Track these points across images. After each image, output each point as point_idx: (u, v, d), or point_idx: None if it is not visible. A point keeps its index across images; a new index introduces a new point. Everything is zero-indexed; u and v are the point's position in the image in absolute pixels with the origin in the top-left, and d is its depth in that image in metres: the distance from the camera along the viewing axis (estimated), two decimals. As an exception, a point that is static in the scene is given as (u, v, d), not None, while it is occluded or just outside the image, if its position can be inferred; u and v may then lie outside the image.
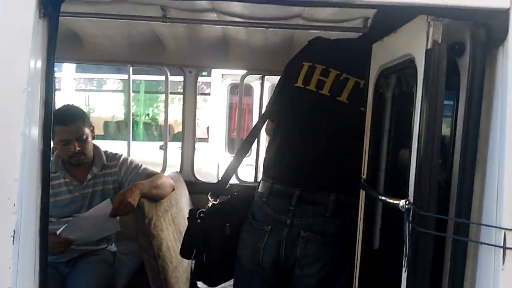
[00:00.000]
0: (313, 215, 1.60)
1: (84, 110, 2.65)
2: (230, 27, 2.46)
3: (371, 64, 1.45)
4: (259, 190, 1.75)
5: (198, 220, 1.79)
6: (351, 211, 1.52)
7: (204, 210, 1.81)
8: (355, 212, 1.48)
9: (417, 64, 1.04)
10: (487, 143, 0.99)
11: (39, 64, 1.05)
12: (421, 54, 1.01)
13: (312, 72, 1.69)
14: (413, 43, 1.07)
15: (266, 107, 1.96)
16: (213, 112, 5.69)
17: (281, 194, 1.65)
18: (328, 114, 1.66)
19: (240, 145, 2.21)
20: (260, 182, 1.78)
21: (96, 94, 7.75)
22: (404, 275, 1.04)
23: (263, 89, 3.36)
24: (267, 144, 1.88)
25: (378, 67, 1.37)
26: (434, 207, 0.98)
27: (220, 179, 1.98)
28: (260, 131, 1.99)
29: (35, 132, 1.04)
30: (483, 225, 0.96)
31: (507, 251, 0.92)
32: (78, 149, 2.31)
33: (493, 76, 0.98)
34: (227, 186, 1.93)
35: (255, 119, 5.64)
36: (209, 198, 1.86)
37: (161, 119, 7.48)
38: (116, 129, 6.64)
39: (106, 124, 6.72)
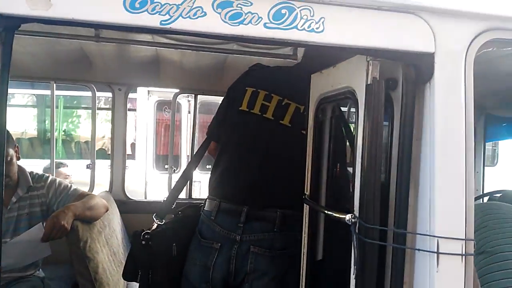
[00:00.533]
0: (261, 231, 1.69)
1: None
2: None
3: (310, 91, 1.59)
4: (205, 208, 1.80)
5: (143, 242, 1.78)
6: (295, 225, 1.62)
7: (149, 231, 1.80)
8: (299, 227, 1.59)
9: (358, 96, 1.19)
10: (419, 163, 1.16)
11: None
12: (361, 88, 1.16)
13: (256, 97, 1.79)
14: (353, 78, 1.21)
15: (209, 129, 2.02)
16: (139, 128, 5.58)
17: (229, 212, 1.72)
18: (272, 136, 1.77)
19: (187, 165, 2.24)
20: (206, 200, 1.83)
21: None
22: (353, 282, 1.16)
23: (196, 107, 3.40)
24: (212, 165, 1.94)
25: (319, 94, 1.51)
26: (377, 220, 1.12)
27: (165, 198, 1.99)
28: (205, 151, 2.03)
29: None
30: (419, 234, 1.12)
31: (440, 256, 1.08)
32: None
33: (422, 108, 1.15)
34: (173, 206, 1.94)
35: (184, 136, 5.68)
36: (154, 219, 1.85)
37: (77, 135, 7.12)
38: (29, 146, 6.18)
39: (18, 140, 6.22)
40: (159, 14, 0.99)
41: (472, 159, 1.11)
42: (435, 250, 1.08)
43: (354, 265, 1.14)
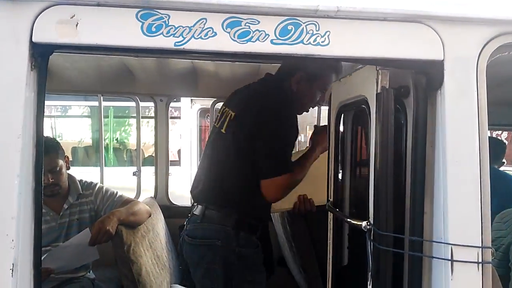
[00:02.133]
0: (192, 222, 2.00)
1: (51, 136, 2.69)
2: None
3: (331, 99, 1.62)
4: None
5: None
6: (214, 220, 1.89)
7: None
8: (219, 221, 1.87)
9: (370, 104, 1.21)
10: (433, 170, 1.16)
11: (31, 109, 1.14)
12: (372, 96, 1.18)
13: (221, 112, 2.10)
14: (365, 87, 1.24)
15: None
16: (183, 135, 5.79)
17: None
18: (215, 143, 2.05)
19: None
20: None
21: (61, 120, 7.66)
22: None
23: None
24: None
25: (338, 102, 1.54)
26: (391, 227, 1.14)
27: None
28: None
29: (29, 172, 1.13)
30: (433, 241, 1.11)
31: (455, 263, 1.08)
32: (51, 180, 2.35)
33: (434, 114, 1.15)
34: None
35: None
36: None
37: (129, 143, 7.47)
38: (84, 155, 6.59)
39: (74, 149, 6.67)
40: (173, 36, 1.07)
41: (487, 165, 1.10)
42: (449, 258, 1.07)
43: (369, 272, 1.16)
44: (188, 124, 5.58)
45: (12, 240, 1.04)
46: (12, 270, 1.03)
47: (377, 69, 1.16)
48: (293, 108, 1.92)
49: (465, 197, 1.10)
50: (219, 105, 3.78)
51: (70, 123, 7.98)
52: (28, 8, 1.05)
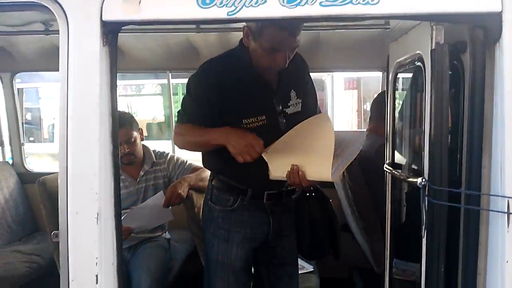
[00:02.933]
0: None
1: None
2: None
3: (389, 60, 1.60)
4: None
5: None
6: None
7: None
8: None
9: (425, 61, 1.20)
10: (491, 125, 1.13)
11: (106, 80, 1.28)
12: (427, 53, 1.17)
13: None
14: (420, 44, 1.22)
15: None
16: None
17: None
18: None
19: None
20: None
21: (136, 99, 8.18)
22: (424, 242, 1.20)
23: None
24: None
25: (395, 62, 1.53)
26: (446, 182, 1.14)
27: None
28: None
29: (107, 137, 1.28)
30: (489, 195, 1.11)
31: (511, 216, 1.07)
32: (127, 150, 2.58)
33: (492, 69, 1.12)
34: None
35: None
36: None
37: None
38: (158, 130, 7.02)
39: (149, 125, 7.13)
40: (226, 7, 1.14)
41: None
42: (505, 211, 1.06)
43: (423, 226, 1.18)
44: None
45: (96, 193, 1.20)
46: (97, 219, 1.19)
47: (431, 25, 1.14)
48: (208, 70, 1.84)
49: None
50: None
51: (144, 101, 8.49)
52: (98, -11, 1.18)
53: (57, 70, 2.81)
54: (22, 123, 3.99)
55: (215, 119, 1.80)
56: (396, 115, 1.64)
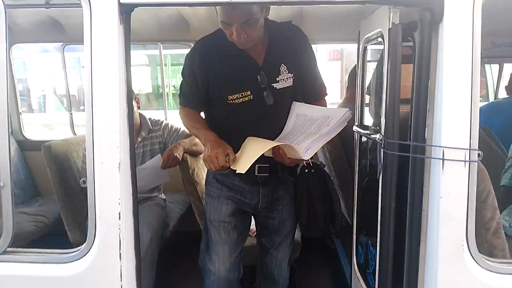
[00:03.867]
0: None
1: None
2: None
3: (360, 33, 1.88)
4: None
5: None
6: None
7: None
8: None
9: (384, 38, 1.48)
10: (433, 91, 1.43)
11: (122, 53, 1.51)
12: (386, 31, 1.44)
13: None
14: (382, 23, 1.50)
15: None
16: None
17: None
18: None
19: None
20: None
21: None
22: (380, 185, 1.52)
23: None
24: None
25: (364, 38, 1.80)
26: (397, 136, 1.44)
27: None
28: None
29: (123, 100, 1.53)
30: (429, 145, 1.41)
31: (445, 162, 1.38)
32: (127, 118, 2.83)
33: (436, 44, 1.40)
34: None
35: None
36: None
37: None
38: (146, 101, 7.21)
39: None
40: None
41: (477, 86, 1.35)
42: (441, 157, 1.37)
43: (379, 174, 1.49)
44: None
45: (117, 147, 1.47)
46: (118, 167, 1.47)
47: (389, 7, 1.42)
48: (194, 50, 1.92)
49: (457, 109, 1.37)
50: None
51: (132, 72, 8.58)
52: (116, -24, 1.41)
53: (54, 41, 3.02)
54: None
55: (204, 96, 1.90)
56: (366, 84, 1.92)
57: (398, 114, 1.44)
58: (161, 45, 3.74)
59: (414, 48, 1.46)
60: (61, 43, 3.75)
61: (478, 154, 1.38)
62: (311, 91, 1.97)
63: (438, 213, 1.40)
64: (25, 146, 4.01)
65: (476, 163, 1.38)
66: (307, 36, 1.94)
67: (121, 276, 1.48)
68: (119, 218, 1.48)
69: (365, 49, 1.83)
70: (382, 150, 1.48)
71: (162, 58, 3.79)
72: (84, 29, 1.46)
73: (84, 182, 1.52)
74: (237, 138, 1.77)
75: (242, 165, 1.68)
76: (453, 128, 1.37)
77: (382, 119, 1.51)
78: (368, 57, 1.89)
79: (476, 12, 1.35)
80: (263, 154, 1.67)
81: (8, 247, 1.57)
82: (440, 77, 1.39)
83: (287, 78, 1.87)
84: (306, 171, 1.93)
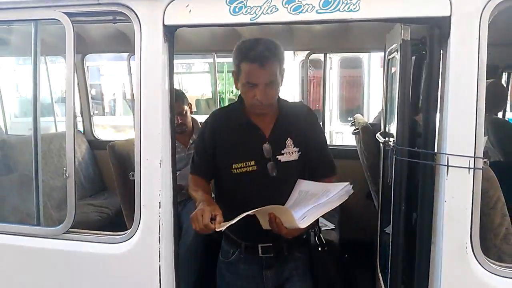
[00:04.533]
0: None
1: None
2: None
3: (386, 45, 2.00)
4: None
5: None
6: None
7: None
8: None
9: (398, 52, 1.60)
10: (442, 102, 1.52)
11: (166, 66, 1.76)
12: (398, 46, 1.57)
13: None
14: (397, 38, 1.62)
15: None
16: (287, 86, 6.36)
17: None
18: None
19: None
20: None
21: (186, 76, 8.81)
22: (393, 189, 1.63)
23: (325, 64, 3.93)
24: None
25: (388, 50, 1.92)
26: (406, 143, 1.56)
27: None
28: None
29: (166, 106, 1.78)
30: (434, 153, 1.51)
31: (450, 168, 1.47)
32: (180, 121, 3.13)
33: (446, 58, 1.50)
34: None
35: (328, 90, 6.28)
36: None
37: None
38: (206, 106, 7.62)
39: (198, 101, 7.75)
40: (249, 14, 1.59)
41: (483, 96, 1.43)
42: (446, 164, 1.47)
43: (390, 178, 1.61)
44: (291, 75, 6.11)
45: (159, 146, 1.72)
46: (160, 163, 1.73)
47: (401, 25, 1.54)
48: (208, 120, 2.00)
49: (463, 119, 1.46)
50: (314, 56, 4.23)
51: (194, 78, 9.10)
52: (162, 2, 1.67)
53: (122, 51, 3.42)
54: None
55: (211, 164, 1.94)
56: (390, 93, 2.03)
57: (408, 123, 1.55)
58: (215, 55, 4.03)
59: (425, 61, 1.57)
60: (127, 53, 4.19)
61: (485, 162, 1.46)
62: (317, 168, 1.96)
63: (443, 216, 1.49)
64: (95, 145, 4.49)
65: (481, 170, 1.46)
66: (317, 116, 2.04)
67: (159, 256, 1.73)
68: (159, 207, 1.73)
69: (388, 60, 1.95)
70: (394, 156, 1.60)
71: (215, 66, 4.08)
72: (135, 45, 1.73)
73: (133, 175, 1.79)
74: (240, 211, 1.66)
75: (225, 226, 1.64)
76: (458, 136, 1.46)
77: (396, 128, 1.63)
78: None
79: (482, 27, 1.43)
80: (261, 228, 1.68)
81: (71, 228, 1.88)
82: (447, 88, 1.49)
83: (292, 152, 1.88)
84: (319, 249, 1.89)
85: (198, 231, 1.69)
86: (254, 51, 1.76)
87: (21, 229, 1.97)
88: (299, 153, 1.90)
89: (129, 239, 1.79)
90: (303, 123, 1.94)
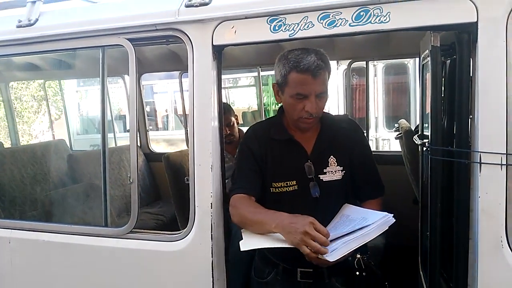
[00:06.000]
0: None
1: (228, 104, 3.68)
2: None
3: (420, 51, 2.09)
4: None
5: None
6: None
7: None
8: None
9: (429, 57, 1.70)
10: (474, 104, 1.60)
11: (215, 82, 1.97)
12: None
13: None
14: (428, 45, 1.72)
15: None
16: (330, 95, 6.41)
17: None
18: None
19: None
20: None
21: (233, 90, 9.14)
22: (429, 188, 1.72)
23: (367, 72, 4.02)
24: None
25: (422, 56, 2.02)
26: (440, 143, 1.65)
27: None
28: None
29: (216, 118, 1.98)
30: (466, 150, 1.59)
31: (482, 165, 1.54)
32: (228, 132, 3.34)
33: (475, 62, 1.58)
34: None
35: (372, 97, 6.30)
36: None
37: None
38: (252, 118, 7.85)
39: (244, 114, 8.02)
40: (288, 31, 1.76)
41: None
42: (478, 161, 1.54)
43: (425, 175, 1.69)
44: (335, 84, 6.20)
45: (210, 152, 1.92)
46: (211, 168, 1.92)
47: (430, 32, 1.65)
48: (249, 134, 1.92)
49: (493, 117, 1.53)
50: (358, 64, 4.32)
51: (240, 92, 9.41)
52: (211, 25, 1.88)
53: (174, 70, 3.69)
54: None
55: (261, 180, 1.80)
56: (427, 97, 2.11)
57: (441, 124, 1.64)
58: (260, 69, 4.23)
59: (456, 65, 1.66)
60: (179, 71, 4.50)
61: (518, 158, 1.52)
62: (363, 188, 1.85)
63: (478, 212, 1.56)
64: (151, 158, 4.82)
65: (515, 166, 1.52)
66: (363, 131, 1.91)
67: (212, 252, 1.91)
68: (211, 207, 1.92)
69: (423, 66, 2.04)
70: (429, 157, 1.69)
71: (260, 79, 4.29)
72: (188, 63, 1.95)
73: (187, 179, 1.99)
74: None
75: (249, 242, 1.58)
76: (490, 134, 1.54)
77: (430, 128, 1.72)
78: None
79: (509, 30, 1.51)
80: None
81: (134, 228, 2.11)
82: (477, 90, 1.57)
83: (335, 171, 1.78)
84: (357, 273, 1.71)
85: (309, 253, 1.47)
86: (305, 61, 1.66)
87: (91, 230, 2.23)
88: (343, 172, 1.79)
89: (184, 237, 1.99)
90: (347, 139, 1.82)
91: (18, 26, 2.25)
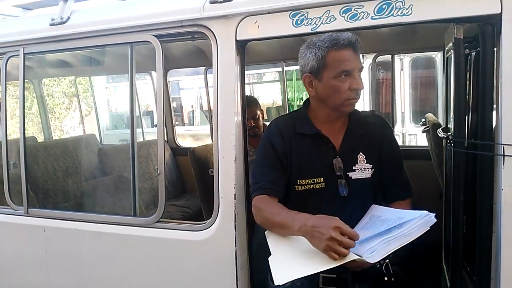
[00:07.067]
0: None
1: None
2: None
3: (444, 44, 2.08)
4: None
5: None
6: None
7: None
8: None
9: (453, 50, 1.69)
10: (497, 95, 1.59)
11: (239, 76, 2.01)
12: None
13: None
14: (451, 37, 1.71)
15: None
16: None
17: None
18: None
19: None
20: None
21: (258, 86, 9.19)
22: (451, 179, 1.71)
23: (393, 66, 3.98)
24: None
25: (446, 49, 2.00)
26: (463, 136, 1.64)
27: None
28: None
29: (239, 111, 2.03)
30: (489, 143, 1.58)
31: (505, 158, 1.53)
32: (253, 124, 3.39)
33: (498, 54, 1.57)
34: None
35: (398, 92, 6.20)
36: None
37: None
38: (276, 113, 7.88)
39: (268, 109, 8.06)
40: (310, 25, 1.79)
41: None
42: (501, 153, 1.53)
43: (447, 167, 1.69)
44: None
45: (234, 145, 1.97)
46: (234, 160, 1.97)
47: (454, 25, 1.64)
48: (271, 128, 1.81)
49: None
50: (384, 58, 4.28)
51: (265, 87, 9.45)
52: (234, 20, 1.93)
53: (199, 65, 3.76)
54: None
55: (285, 178, 1.71)
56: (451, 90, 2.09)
57: (464, 116, 1.64)
58: (284, 63, 4.26)
59: (480, 57, 1.65)
60: (204, 67, 4.57)
61: (542, 151, 1.50)
62: (391, 188, 1.76)
63: (501, 204, 1.55)
64: (177, 152, 4.93)
65: (538, 158, 1.50)
66: (392, 128, 1.88)
67: (235, 241, 1.97)
68: (234, 198, 1.98)
69: (447, 58, 2.02)
70: (452, 149, 1.68)
71: (284, 74, 4.31)
72: (212, 58, 2.01)
73: (212, 171, 2.05)
74: None
75: (282, 273, 1.45)
76: (513, 126, 1.53)
77: (453, 121, 1.72)
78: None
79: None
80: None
81: (161, 218, 2.19)
82: (501, 82, 1.55)
83: (364, 169, 1.71)
84: (385, 279, 1.62)
85: (338, 260, 1.39)
86: (344, 36, 1.62)
87: (120, 219, 2.32)
88: (373, 170, 1.72)
89: (209, 227, 2.05)
90: (376, 135, 1.75)
91: (51, 24, 2.36)
